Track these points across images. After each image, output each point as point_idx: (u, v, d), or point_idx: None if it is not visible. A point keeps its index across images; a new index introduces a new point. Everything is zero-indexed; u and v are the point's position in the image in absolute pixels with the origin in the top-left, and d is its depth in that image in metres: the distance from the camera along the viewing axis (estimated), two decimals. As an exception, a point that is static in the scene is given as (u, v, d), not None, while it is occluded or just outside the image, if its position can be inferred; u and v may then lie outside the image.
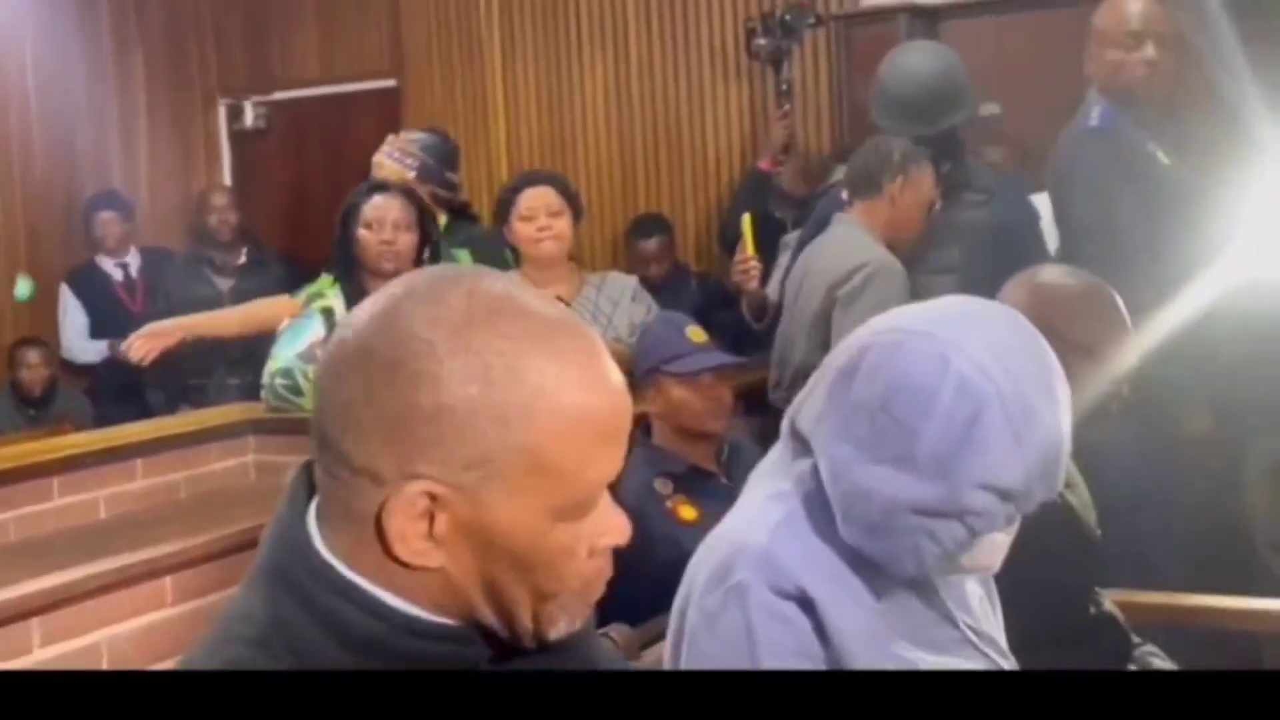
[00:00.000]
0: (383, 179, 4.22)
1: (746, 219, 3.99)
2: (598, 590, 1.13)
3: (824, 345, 3.45)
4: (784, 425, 1.65)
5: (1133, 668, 2.26)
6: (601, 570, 1.12)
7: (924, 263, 3.68)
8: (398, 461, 1.02)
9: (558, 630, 1.11)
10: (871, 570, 1.54)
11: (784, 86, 5.03)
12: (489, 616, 1.08)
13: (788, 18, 5.08)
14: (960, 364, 1.45)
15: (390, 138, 4.38)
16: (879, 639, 1.53)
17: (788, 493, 1.59)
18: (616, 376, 1.09)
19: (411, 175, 4.20)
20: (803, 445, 1.60)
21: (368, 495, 1.04)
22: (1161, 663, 2.28)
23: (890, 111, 3.86)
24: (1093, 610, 2.25)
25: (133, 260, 6.11)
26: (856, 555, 1.53)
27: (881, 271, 3.52)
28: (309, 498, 1.11)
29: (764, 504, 1.61)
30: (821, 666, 1.51)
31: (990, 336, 1.49)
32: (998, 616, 1.70)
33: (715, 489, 2.85)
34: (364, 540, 1.05)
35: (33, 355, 5.78)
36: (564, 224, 3.77)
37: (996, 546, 1.53)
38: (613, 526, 1.11)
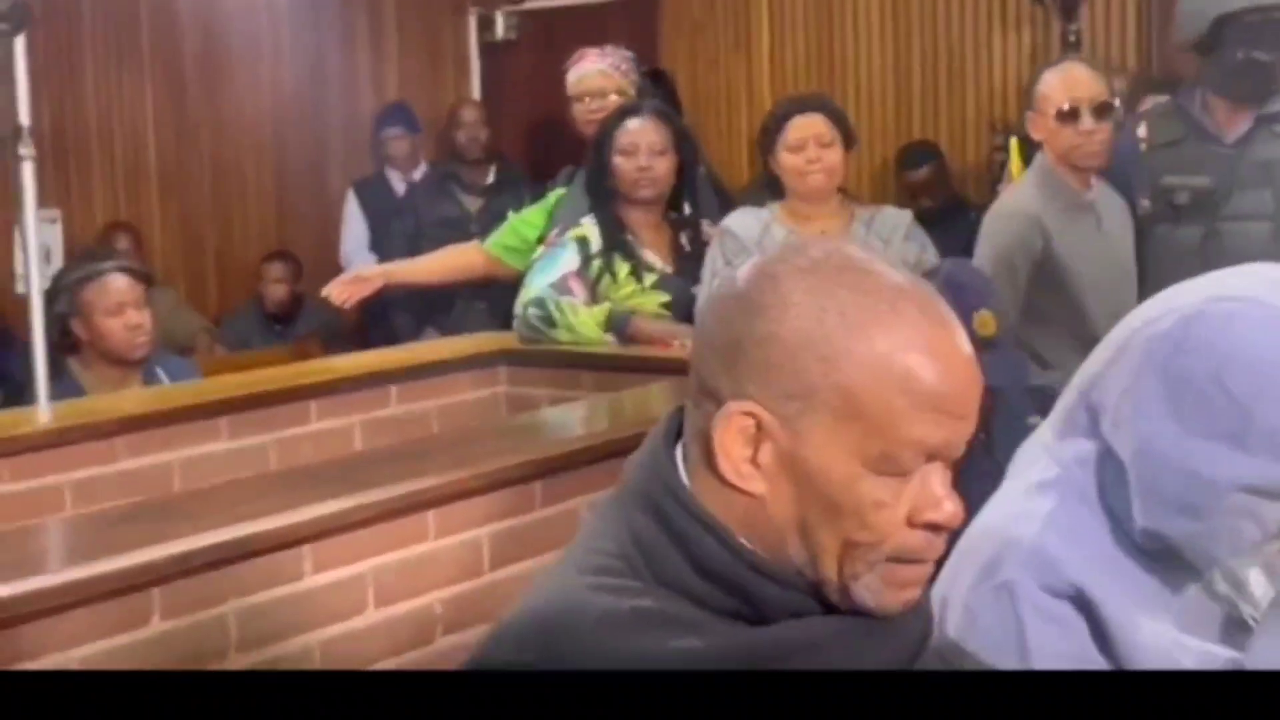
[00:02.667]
0: (604, 89, 4.08)
1: (1015, 142, 3.73)
2: (917, 566, 1.14)
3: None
4: (1068, 399, 1.55)
5: None
6: (923, 545, 1.13)
7: (1228, 207, 3.37)
8: (731, 383, 1.13)
9: (864, 590, 1.13)
10: (1155, 562, 1.47)
11: (1071, 37, 4.72)
12: (799, 556, 1.13)
13: None
14: None
15: (596, 52, 4.20)
16: (1168, 636, 1.45)
17: (1057, 479, 1.51)
18: (960, 352, 1.13)
19: (632, 92, 4.09)
20: (1089, 420, 1.51)
21: (708, 416, 1.14)
22: None
23: None
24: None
25: (419, 174, 6.03)
26: (1138, 547, 1.47)
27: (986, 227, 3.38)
28: (679, 432, 1.20)
29: (1030, 493, 1.52)
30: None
31: None
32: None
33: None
34: (704, 465, 1.15)
35: (275, 269, 5.79)
36: (835, 155, 3.55)
37: None
38: (937, 502, 1.12)
